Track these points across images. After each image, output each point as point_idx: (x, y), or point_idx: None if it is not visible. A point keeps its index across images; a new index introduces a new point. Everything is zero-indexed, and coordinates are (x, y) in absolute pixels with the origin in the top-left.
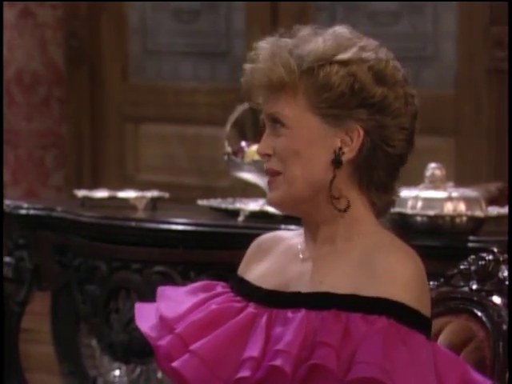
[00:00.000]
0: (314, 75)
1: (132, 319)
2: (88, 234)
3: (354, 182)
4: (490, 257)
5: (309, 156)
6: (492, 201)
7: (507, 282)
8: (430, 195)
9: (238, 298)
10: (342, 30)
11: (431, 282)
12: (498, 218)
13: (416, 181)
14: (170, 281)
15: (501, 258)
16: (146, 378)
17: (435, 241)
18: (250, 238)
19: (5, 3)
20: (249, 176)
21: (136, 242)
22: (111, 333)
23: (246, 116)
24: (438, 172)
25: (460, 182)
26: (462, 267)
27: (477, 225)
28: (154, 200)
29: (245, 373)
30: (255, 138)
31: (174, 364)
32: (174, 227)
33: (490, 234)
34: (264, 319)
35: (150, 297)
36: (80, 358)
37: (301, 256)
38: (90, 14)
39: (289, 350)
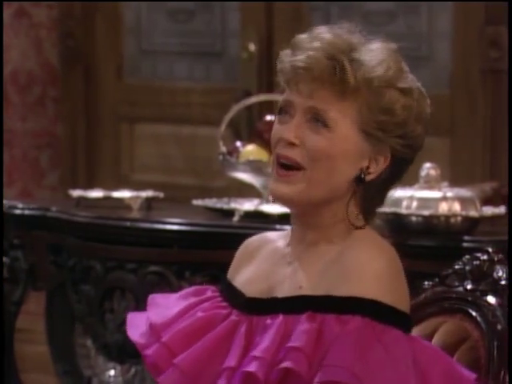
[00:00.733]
0: (379, 95)
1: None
2: (83, 234)
3: (356, 197)
4: (485, 257)
5: (339, 165)
6: (487, 201)
7: (502, 282)
8: (424, 195)
9: (224, 304)
10: (393, 46)
11: (426, 282)
12: (493, 217)
13: (411, 181)
14: (164, 281)
15: (495, 258)
16: (140, 378)
17: (430, 241)
18: (245, 238)
19: None
20: (244, 176)
21: (131, 241)
22: (106, 333)
23: (241, 116)
24: (432, 172)
25: (455, 181)
26: (456, 267)
27: (471, 225)
28: (148, 200)
29: (221, 382)
30: (250, 137)
31: (160, 379)
32: (168, 227)
33: (484, 234)
34: (243, 328)
35: (144, 297)
36: (75, 358)
37: (286, 259)
38: (85, 14)
39: (264, 356)
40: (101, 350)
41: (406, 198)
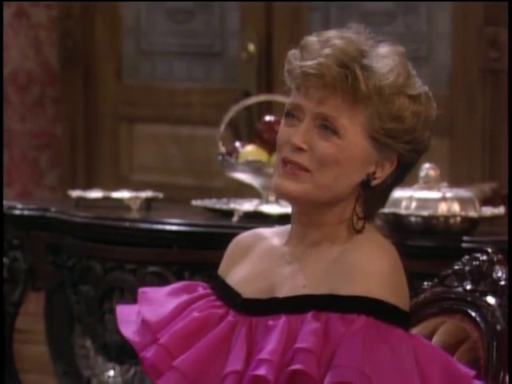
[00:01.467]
0: (390, 103)
1: None
2: (82, 235)
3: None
4: (484, 257)
5: (346, 170)
6: (486, 201)
7: (501, 283)
8: (424, 195)
9: (219, 303)
10: (401, 50)
11: (425, 283)
12: (492, 218)
13: (410, 181)
14: (164, 281)
15: (495, 259)
16: (140, 378)
17: (429, 241)
18: None
19: None
20: (243, 176)
21: (130, 242)
22: (105, 333)
23: (241, 116)
24: (432, 172)
25: (454, 182)
26: (456, 267)
27: (471, 225)
28: (148, 200)
29: None
30: (249, 138)
31: (159, 381)
32: (168, 227)
33: (484, 235)
34: (244, 330)
35: None
36: (74, 359)
37: (285, 259)
38: (84, 14)
39: (272, 359)
40: (100, 350)
41: (405, 198)
